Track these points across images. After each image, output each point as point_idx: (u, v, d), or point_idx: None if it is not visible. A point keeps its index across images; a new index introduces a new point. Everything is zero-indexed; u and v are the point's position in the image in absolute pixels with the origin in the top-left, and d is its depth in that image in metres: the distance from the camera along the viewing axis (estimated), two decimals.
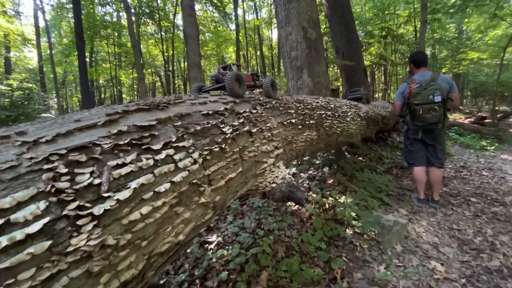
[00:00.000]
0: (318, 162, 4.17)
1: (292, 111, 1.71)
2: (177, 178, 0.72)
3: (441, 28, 12.96)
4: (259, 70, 22.05)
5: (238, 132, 1.07)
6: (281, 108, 1.59)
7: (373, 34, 10.79)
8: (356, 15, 12.11)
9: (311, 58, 4.10)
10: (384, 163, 4.54)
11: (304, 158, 4.15)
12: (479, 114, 10.42)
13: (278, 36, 4.24)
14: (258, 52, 20.63)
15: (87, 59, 18.01)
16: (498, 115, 9.52)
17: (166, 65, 18.04)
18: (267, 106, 1.45)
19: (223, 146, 0.94)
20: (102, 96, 24.50)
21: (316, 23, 4.20)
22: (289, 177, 1.31)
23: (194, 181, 0.79)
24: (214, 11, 15.71)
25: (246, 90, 1.90)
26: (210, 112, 1.01)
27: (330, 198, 2.98)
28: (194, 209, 0.79)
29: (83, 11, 14.45)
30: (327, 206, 2.88)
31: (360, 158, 4.61)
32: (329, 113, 2.20)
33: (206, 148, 0.87)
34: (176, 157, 0.75)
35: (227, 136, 0.99)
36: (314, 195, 3.10)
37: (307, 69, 4.12)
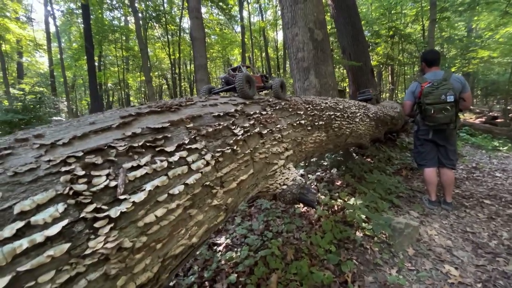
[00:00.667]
0: (326, 163, 4.14)
1: (301, 112, 1.69)
2: (191, 180, 0.72)
3: (450, 26, 12.74)
4: (265, 71, 22.08)
5: (249, 134, 1.07)
6: (290, 109, 1.58)
7: (380, 34, 10.66)
8: (362, 15, 12.01)
9: (318, 59, 4.09)
10: (393, 164, 4.47)
11: (312, 160, 4.12)
12: (491, 113, 10.17)
13: (284, 38, 4.24)
14: (264, 54, 20.66)
15: (96, 63, 18.42)
16: (510, 115, 9.28)
17: (173, 68, 18.24)
18: (277, 108, 1.44)
19: (234, 147, 0.94)
20: (111, 99, 24.94)
21: (323, 23, 4.18)
22: (300, 179, 1.29)
23: (207, 183, 0.78)
24: (219, 13, 15.83)
25: (256, 91, 1.90)
26: (221, 114, 1.01)
27: (339, 200, 2.94)
28: (207, 211, 0.79)
29: (92, 16, 14.78)
30: (336, 208, 2.85)
31: (369, 159, 4.55)
32: (338, 114, 2.18)
33: (218, 150, 0.86)
34: (189, 159, 0.74)
35: (239, 138, 0.98)
36: (323, 197, 3.07)
37: (314, 70, 4.10)
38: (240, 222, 2.66)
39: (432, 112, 2.64)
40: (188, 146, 0.76)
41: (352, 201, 2.76)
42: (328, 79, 4.16)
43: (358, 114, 2.64)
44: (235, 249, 2.24)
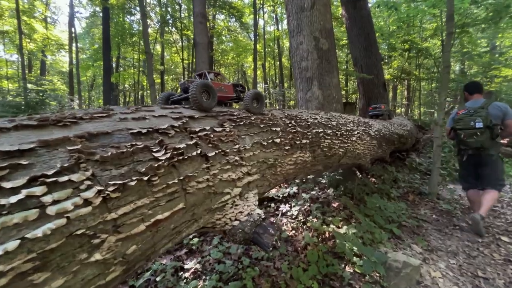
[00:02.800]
0: (324, 181, 3.83)
1: (278, 129, 1.45)
2: (39, 231, 0.49)
3: (471, 43, 12.18)
4: (277, 79, 21.98)
5: (183, 157, 0.84)
6: (262, 125, 1.34)
7: (395, 47, 10.30)
8: (379, 27, 11.69)
9: (323, 69, 3.87)
10: (400, 187, 4.09)
11: (309, 176, 3.82)
12: None
13: (289, 46, 4.10)
14: (278, 63, 20.59)
15: (115, 64, 19.02)
16: None
17: (186, 72, 18.49)
18: (241, 123, 1.21)
19: (147, 177, 0.71)
20: (127, 99, 25.59)
21: (330, 33, 3.97)
22: (257, 214, 1.04)
23: (81, 231, 0.56)
24: (231, 21, 16.00)
25: (232, 102, 1.68)
26: (145, 131, 0.79)
27: (332, 226, 2.64)
28: (78, 271, 0.55)
29: (114, 20, 15.30)
30: (327, 235, 2.54)
31: (373, 179, 4.20)
32: (329, 131, 1.91)
33: (115, 182, 0.64)
34: (47, 198, 0.52)
35: (160, 164, 0.75)
36: (315, 220, 2.78)
37: (318, 81, 3.88)
38: (217, 244, 2.40)
39: (462, 136, 2.87)
40: (53, 179, 0.54)
41: (344, 229, 2.45)
42: (332, 91, 3.92)
43: (356, 132, 2.35)
44: (204, 277, 1.98)
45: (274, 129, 1.41)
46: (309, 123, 1.77)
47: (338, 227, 2.63)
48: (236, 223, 1.00)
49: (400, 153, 5.12)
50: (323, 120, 1.96)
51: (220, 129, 1.06)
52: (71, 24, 16.20)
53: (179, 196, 0.81)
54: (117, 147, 0.69)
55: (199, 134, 0.95)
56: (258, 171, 1.24)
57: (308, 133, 1.70)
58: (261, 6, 16.22)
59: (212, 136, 1.00)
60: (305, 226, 2.75)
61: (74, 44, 16.64)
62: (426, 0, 8.53)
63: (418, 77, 12.54)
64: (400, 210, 3.10)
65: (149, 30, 19.15)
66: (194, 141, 0.91)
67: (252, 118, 1.31)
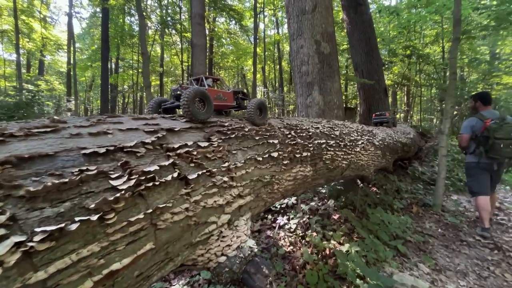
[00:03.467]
0: (324, 191, 3.65)
1: (276, 141, 1.28)
2: None
3: (471, 50, 12.14)
4: (277, 83, 21.89)
5: (153, 183, 0.66)
6: (257, 138, 1.17)
7: (396, 53, 10.22)
8: (379, 33, 11.63)
9: (324, 74, 3.71)
10: (403, 198, 3.91)
11: None
12: None
13: (290, 49, 3.96)
14: (277, 66, 20.51)
15: (114, 65, 18.89)
16: None
17: (186, 74, 18.36)
18: (232, 136, 1.03)
19: (99, 215, 0.53)
20: (126, 100, 25.42)
21: (331, 36, 3.83)
22: (249, 247, 0.86)
23: None
24: (230, 23, 15.93)
25: (232, 110, 1.51)
26: (103, 151, 0.61)
27: (333, 241, 2.46)
28: None
29: (113, 21, 15.18)
30: (327, 252, 2.36)
31: (375, 189, 4.02)
32: (332, 142, 1.74)
33: (47, 228, 0.46)
34: None
35: (119, 195, 0.57)
36: (314, 234, 2.60)
37: (318, 86, 3.72)
38: None
39: (501, 146, 2.85)
40: None
41: (346, 247, 2.27)
42: (333, 97, 3.76)
43: (360, 142, 2.18)
44: None
45: (271, 141, 1.24)
46: (310, 133, 1.60)
47: (340, 243, 2.45)
48: (222, 259, 0.82)
49: (402, 161, 4.96)
50: (325, 130, 1.79)
51: (206, 144, 0.89)
52: (69, 24, 16.09)
53: (147, 235, 0.63)
54: (58, 174, 0.52)
55: (179, 151, 0.78)
56: (252, 191, 1.06)
57: (309, 145, 1.52)
58: (262, 9, 16.16)
59: (195, 153, 0.82)
60: (303, 240, 2.57)
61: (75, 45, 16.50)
62: (427, 6, 8.46)
63: (418, 83, 12.46)
64: (405, 224, 2.92)
65: (149, 32, 19.07)
66: (171, 160, 0.74)
67: (246, 130, 1.13)
